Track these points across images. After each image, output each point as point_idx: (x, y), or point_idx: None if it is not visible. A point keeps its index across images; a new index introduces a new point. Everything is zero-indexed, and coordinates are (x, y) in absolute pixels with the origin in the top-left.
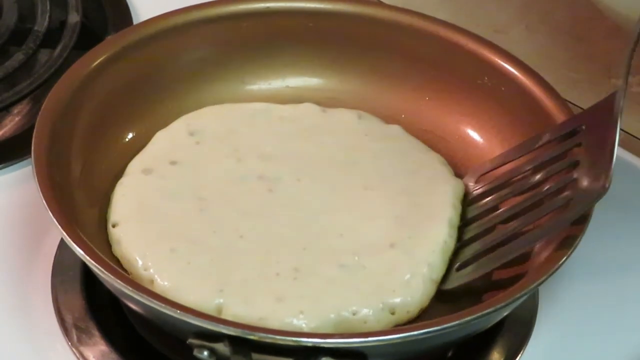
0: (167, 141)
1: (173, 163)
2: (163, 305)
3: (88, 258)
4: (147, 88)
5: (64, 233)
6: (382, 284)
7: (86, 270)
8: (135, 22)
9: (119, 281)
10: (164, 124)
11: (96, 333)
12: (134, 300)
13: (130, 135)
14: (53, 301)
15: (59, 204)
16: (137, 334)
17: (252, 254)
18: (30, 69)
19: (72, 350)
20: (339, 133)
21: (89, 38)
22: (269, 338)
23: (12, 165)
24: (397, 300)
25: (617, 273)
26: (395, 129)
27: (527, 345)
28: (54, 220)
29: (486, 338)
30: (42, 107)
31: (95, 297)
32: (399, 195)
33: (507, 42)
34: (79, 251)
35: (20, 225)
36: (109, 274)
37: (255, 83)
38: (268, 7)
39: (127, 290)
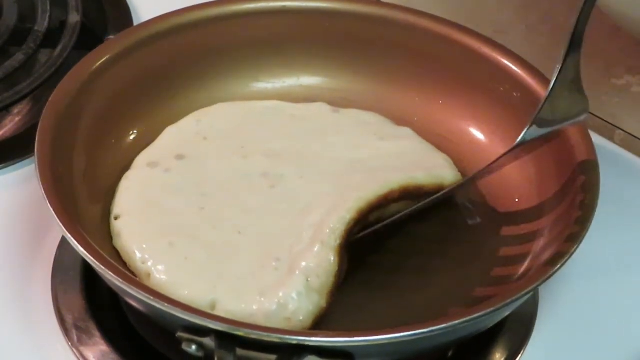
0: (175, 136)
1: (179, 157)
2: (151, 298)
3: (80, 248)
4: (159, 85)
5: (59, 221)
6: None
7: (86, 270)
8: (135, 22)
9: (110, 273)
10: (175, 120)
11: (96, 333)
12: (125, 292)
13: (135, 132)
14: (53, 301)
15: (58, 197)
16: (137, 334)
17: (248, 250)
18: (30, 69)
19: (72, 350)
20: (348, 133)
21: (89, 38)
22: (255, 334)
23: (12, 165)
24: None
25: (617, 273)
26: (406, 130)
27: (527, 345)
28: (50, 208)
29: (486, 338)
30: (48, 103)
31: (95, 297)
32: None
33: (507, 42)
34: (72, 241)
35: (21, 226)
36: (101, 265)
37: (269, 81)
38: (284, 6)
39: (118, 282)
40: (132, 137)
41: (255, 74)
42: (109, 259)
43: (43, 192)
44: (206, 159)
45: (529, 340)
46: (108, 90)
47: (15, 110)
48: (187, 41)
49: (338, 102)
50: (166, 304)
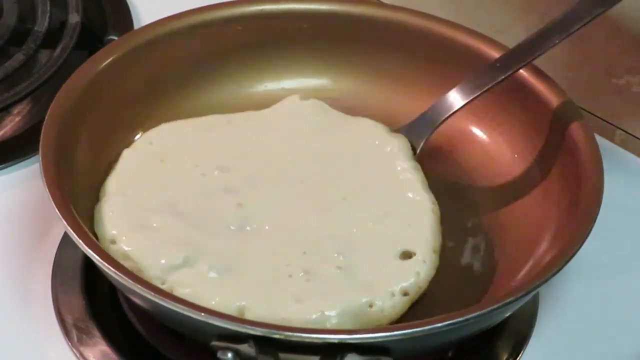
0: (134, 159)
1: (144, 183)
2: (187, 308)
3: (112, 269)
4: (146, 92)
5: (97, 258)
6: (385, 272)
7: (86, 271)
8: (135, 22)
9: (141, 288)
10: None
11: (96, 333)
12: (157, 306)
13: (137, 136)
14: (53, 301)
15: (76, 221)
16: (137, 334)
17: (259, 257)
18: (30, 70)
19: (72, 351)
20: (284, 129)
21: (89, 38)
22: (295, 337)
23: (12, 165)
24: (406, 283)
25: (617, 273)
26: (317, 104)
27: (527, 345)
28: (85, 247)
29: (486, 338)
30: (48, 114)
31: (95, 297)
32: (359, 176)
33: (507, 42)
34: (99, 260)
35: (21, 226)
36: (133, 282)
37: (252, 86)
38: (262, 10)
39: (150, 296)
40: (133, 140)
41: (238, 79)
42: (140, 277)
43: (64, 222)
44: (169, 180)
45: (529, 340)
46: (103, 99)
47: (15, 111)
48: (166, 50)
49: (322, 101)
50: (202, 314)
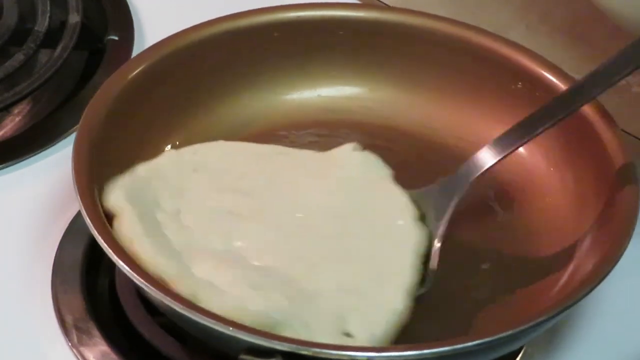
0: (169, 160)
1: (164, 179)
2: (215, 322)
3: (136, 276)
4: (181, 100)
5: (117, 258)
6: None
7: (86, 270)
8: (135, 22)
9: (168, 299)
10: (200, 135)
11: (96, 333)
12: (184, 317)
13: (168, 147)
14: (53, 301)
15: (109, 233)
16: (137, 334)
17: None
18: (30, 69)
19: (72, 351)
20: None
21: (89, 38)
22: (323, 353)
23: (12, 165)
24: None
25: (617, 274)
26: (367, 161)
27: (526, 346)
28: (112, 253)
29: None
30: (80, 127)
31: (95, 297)
32: (360, 243)
33: None
34: (130, 272)
35: (20, 226)
36: (165, 296)
37: (288, 93)
38: (299, 17)
39: (178, 307)
40: (167, 148)
41: (273, 86)
42: (167, 287)
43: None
44: (187, 189)
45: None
46: (134, 109)
47: (15, 110)
48: (201, 57)
49: (358, 110)
50: (231, 328)
